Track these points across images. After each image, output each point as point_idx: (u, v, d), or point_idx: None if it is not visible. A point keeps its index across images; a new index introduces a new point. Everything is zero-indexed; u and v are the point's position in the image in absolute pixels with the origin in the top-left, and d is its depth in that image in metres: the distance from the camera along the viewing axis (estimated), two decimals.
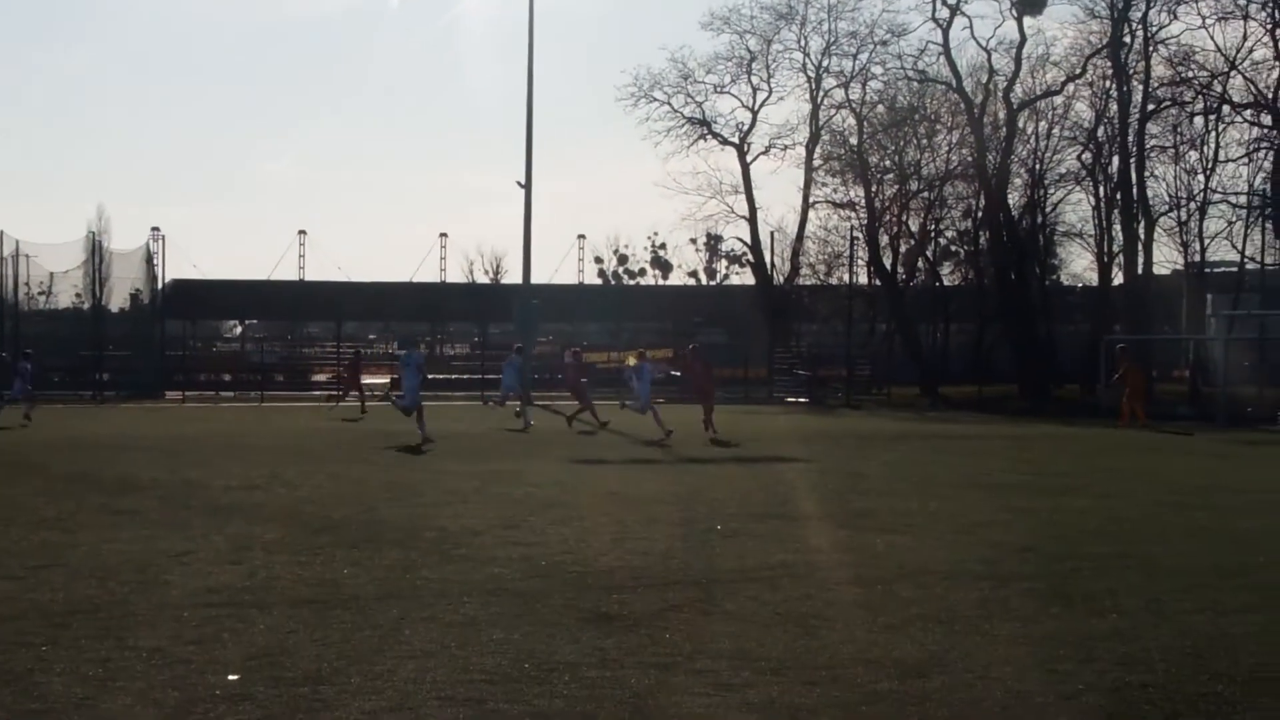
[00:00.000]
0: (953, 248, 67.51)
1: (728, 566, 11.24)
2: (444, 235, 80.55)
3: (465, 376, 60.89)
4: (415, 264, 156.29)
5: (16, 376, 35.02)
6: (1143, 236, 52.27)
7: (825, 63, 59.63)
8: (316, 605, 9.40)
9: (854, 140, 59.76)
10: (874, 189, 59.52)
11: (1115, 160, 53.54)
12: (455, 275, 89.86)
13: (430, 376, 61.05)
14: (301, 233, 79.26)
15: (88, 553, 11.71)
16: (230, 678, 7.37)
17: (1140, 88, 51.28)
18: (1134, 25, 51.10)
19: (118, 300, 58.73)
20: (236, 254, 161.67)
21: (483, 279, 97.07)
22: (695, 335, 61.04)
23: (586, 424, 31.61)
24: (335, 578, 10.55)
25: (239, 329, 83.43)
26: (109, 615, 9.03)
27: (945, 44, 54.73)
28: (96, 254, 54.47)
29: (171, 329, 59.98)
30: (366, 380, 55.43)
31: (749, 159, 61.22)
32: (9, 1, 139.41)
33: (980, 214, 59.51)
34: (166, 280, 62.71)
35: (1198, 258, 54.24)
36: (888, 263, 60.43)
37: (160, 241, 61.92)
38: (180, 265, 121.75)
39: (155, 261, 58.59)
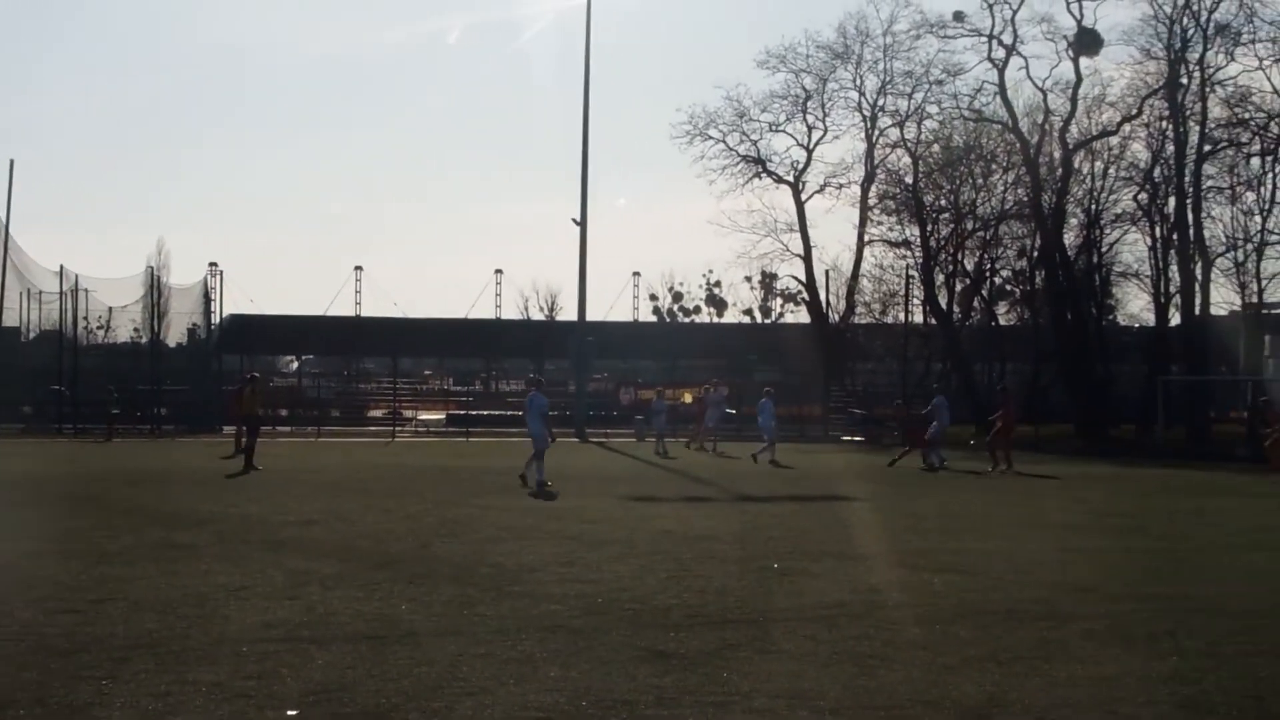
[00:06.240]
0: (1008, 287, 67.17)
1: (784, 605, 11.20)
2: (499, 271, 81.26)
3: (519, 414, 60.59)
4: (471, 299, 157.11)
5: None
6: (1200, 277, 51.79)
7: (881, 102, 59.92)
8: (374, 641, 9.43)
9: (909, 179, 59.85)
10: (929, 228, 59.46)
11: (1172, 201, 53.16)
12: (510, 311, 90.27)
13: (486, 413, 61.62)
14: (358, 268, 79.73)
15: (147, 587, 11.80)
16: (289, 713, 7.41)
17: (1197, 128, 50.88)
18: (1191, 66, 50.80)
19: (175, 335, 59.24)
20: (293, 289, 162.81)
21: (538, 315, 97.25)
22: (751, 373, 61.08)
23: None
24: (393, 613, 10.57)
25: (295, 364, 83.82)
26: (168, 649, 9.08)
27: (1001, 84, 54.63)
28: (155, 288, 54.97)
29: (228, 363, 60.37)
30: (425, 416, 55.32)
31: (804, 197, 61.34)
32: (78, 31, 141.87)
33: (1036, 254, 59.20)
34: (224, 315, 63.50)
35: (1255, 299, 53.75)
36: (943, 302, 60.30)
37: (218, 276, 62.92)
38: (237, 300, 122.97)
39: (212, 296, 59.30)
